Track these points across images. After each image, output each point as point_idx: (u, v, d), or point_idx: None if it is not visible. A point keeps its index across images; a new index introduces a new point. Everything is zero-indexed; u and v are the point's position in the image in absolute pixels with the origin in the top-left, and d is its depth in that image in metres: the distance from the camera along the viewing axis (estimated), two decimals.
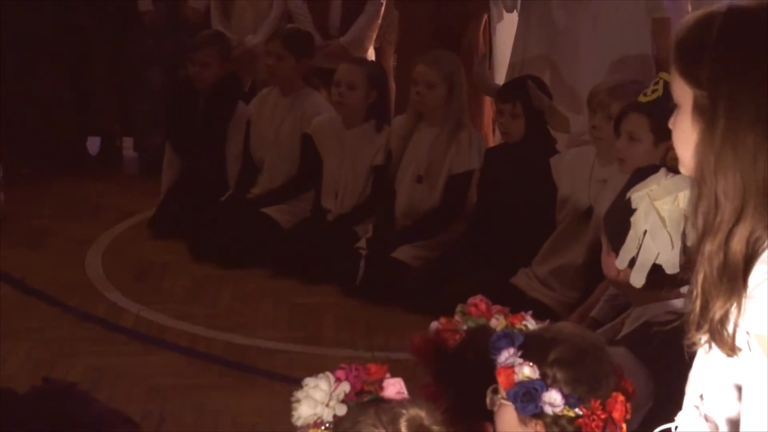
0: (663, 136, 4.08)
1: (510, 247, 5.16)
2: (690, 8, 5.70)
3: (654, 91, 4.35)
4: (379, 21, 6.46)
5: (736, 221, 1.89)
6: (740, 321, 1.90)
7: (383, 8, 6.43)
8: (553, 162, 5.14)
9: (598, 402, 2.27)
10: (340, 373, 2.20)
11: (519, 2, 6.03)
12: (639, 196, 2.76)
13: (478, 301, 2.65)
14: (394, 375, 4.78)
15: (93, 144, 7.48)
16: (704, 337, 1.96)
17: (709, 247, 1.91)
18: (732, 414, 1.95)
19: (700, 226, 1.94)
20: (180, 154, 6.32)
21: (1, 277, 5.67)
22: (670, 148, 2.09)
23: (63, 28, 7.19)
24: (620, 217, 2.86)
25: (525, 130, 5.30)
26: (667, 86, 3.79)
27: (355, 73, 5.77)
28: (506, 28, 6.23)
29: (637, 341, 3.10)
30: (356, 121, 5.81)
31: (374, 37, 6.47)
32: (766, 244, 1.89)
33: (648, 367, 3.01)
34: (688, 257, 2.01)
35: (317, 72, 6.16)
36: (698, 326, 1.97)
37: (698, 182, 1.95)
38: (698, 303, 1.96)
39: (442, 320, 2.59)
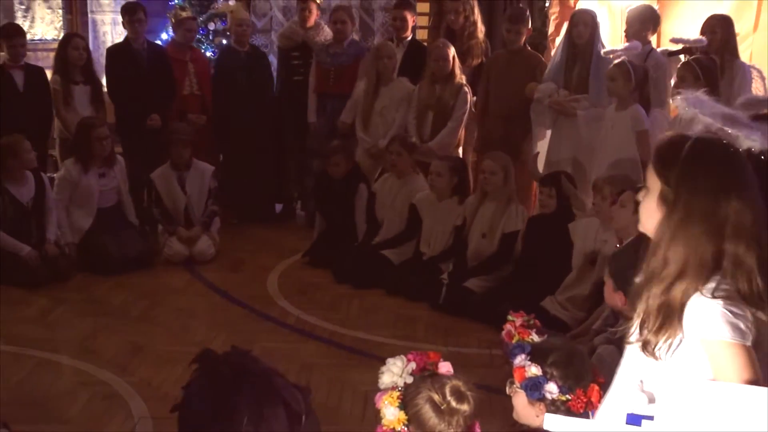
0: None
1: (542, 282, 5.06)
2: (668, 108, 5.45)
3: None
4: (461, 132, 6.32)
5: (677, 277, 1.81)
6: (671, 341, 1.83)
7: (463, 124, 6.29)
8: (570, 227, 5.03)
9: (581, 390, 2.26)
10: (410, 356, 2.25)
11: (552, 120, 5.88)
12: None
13: (519, 316, 2.63)
14: (461, 363, 4.78)
15: (278, 207, 7.53)
16: (636, 338, 1.90)
17: (654, 290, 1.83)
18: (665, 390, 1.85)
19: (648, 273, 1.86)
20: (324, 216, 6.40)
21: (214, 290, 5.76)
22: None
23: (268, 129, 7.17)
24: (625, 265, 2.77)
25: (556, 206, 5.24)
26: None
27: (440, 166, 5.72)
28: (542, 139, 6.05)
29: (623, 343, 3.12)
30: (445, 197, 5.73)
31: (455, 142, 6.31)
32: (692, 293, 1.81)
33: None
34: (638, 290, 1.92)
35: (418, 164, 6.10)
36: (639, 336, 1.91)
37: (655, 243, 1.87)
38: (637, 322, 1.91)
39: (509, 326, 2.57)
